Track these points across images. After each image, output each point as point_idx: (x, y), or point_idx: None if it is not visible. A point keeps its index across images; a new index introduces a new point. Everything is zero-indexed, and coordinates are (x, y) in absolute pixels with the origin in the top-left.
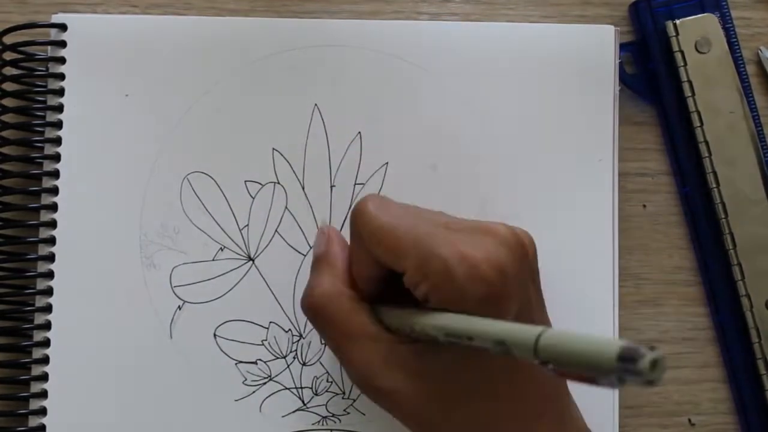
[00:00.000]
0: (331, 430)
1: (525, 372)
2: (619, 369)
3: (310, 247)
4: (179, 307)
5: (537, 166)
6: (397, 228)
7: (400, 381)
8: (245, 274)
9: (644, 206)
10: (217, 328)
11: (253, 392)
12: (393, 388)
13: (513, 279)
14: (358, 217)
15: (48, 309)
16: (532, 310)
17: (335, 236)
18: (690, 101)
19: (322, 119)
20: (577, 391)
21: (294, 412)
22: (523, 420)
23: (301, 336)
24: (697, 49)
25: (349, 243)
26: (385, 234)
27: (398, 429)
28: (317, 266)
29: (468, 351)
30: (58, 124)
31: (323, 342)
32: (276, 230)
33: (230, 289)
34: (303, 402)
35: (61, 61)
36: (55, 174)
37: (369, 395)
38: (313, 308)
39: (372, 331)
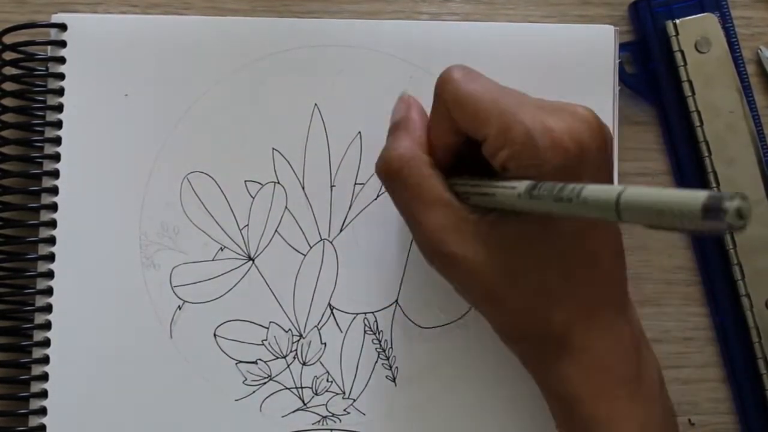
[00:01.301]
0: (331, 430)
1: (593, 251)
2: (705, 221)
3: (311, 247)
4: (179, 307)
5: None
6: (483, 96)
7: (471, 248)
8: (245, 274)
9: None
10: (217, 328)
11: (254, 392)
12: (463, 255)
13: (590, 156)
14: (444, 83)
15: (48, 309)
16: None
17: (414, 104)
18: (690, 101)
19: (322, 119)
20: None
21: (294, 411)
22: (586, 299)
23: (301, 336)
24: (697, 49)
25: (429, 112)
26: (471, 100)
27: (398, 429)
28: (395, 131)
29: (540, 222)
30: (58, 124)
31: (396, 206)
32: (276, 230)
33: (230, 289)
34: (303, 402)
35: (61, 60)
36: (55, 174)
37: (435, 261)
38: (389, 171)
39: (446, 198)
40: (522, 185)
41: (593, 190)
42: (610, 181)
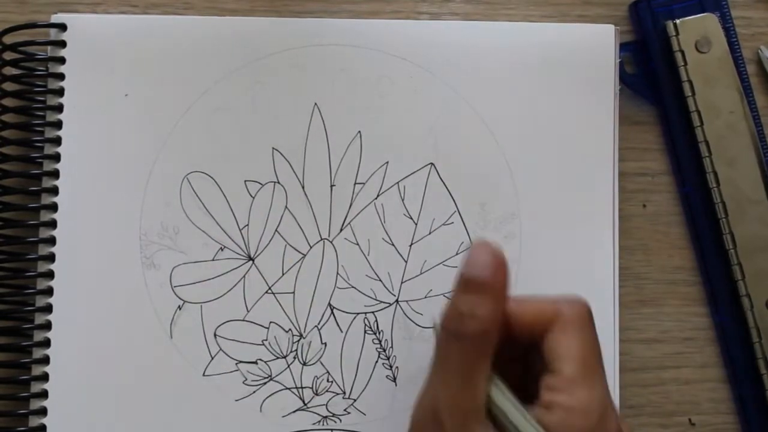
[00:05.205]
0: (332, 430)
1: None
2: None
3: (311, 247)
4: (179, 307)
5: (537, 165)
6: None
7: None
8: (245, 274)
9: (644, 206)
10: (218, 328)
11: (254, 392)
12: None
13: None
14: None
15: (48, 309)
16: None
17: (503, 267)
18: (690, 101)
19: (322, 119)
20: None
21: (294, 412)
22: None
23: (301, 336)
24: (697, 49)
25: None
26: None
27: (398, 429)
28: (480, 290)
29: None
30: (58, 124)
31: (440, 364)
32: (276, 230)
33: (230, 289)
34: (303, 402)
35: (61, 61)
36: (55, 174)
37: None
38: (460, 331)
39: (480, 404)
40: None
41: None
42: None
